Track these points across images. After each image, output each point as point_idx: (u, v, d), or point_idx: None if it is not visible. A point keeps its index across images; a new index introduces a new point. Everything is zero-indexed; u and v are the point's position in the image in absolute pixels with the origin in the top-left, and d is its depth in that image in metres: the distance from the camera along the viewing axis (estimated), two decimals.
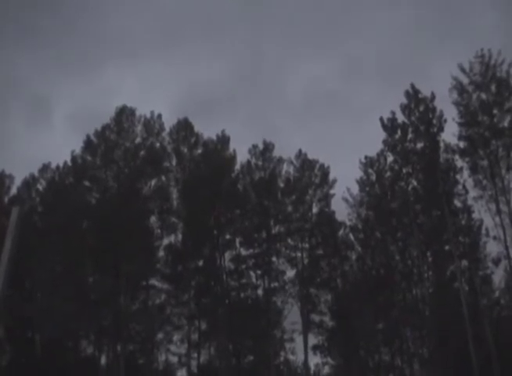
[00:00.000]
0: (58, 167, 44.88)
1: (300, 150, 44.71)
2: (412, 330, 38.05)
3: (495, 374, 30.91)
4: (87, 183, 41.44)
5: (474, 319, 33.80)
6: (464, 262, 37.15)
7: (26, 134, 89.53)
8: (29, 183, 45.20)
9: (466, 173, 35.96)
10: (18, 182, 45.54)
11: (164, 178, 42.47)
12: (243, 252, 42.55)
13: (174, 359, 44.43)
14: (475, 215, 36.70)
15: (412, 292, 39.24)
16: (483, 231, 36.70)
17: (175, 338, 41.92)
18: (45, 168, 45.33)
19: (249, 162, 44.13)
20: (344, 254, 43.09)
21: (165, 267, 41.40)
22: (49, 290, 35.95)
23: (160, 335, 41.16)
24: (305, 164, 44.37)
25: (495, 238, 34.05)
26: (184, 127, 44.43)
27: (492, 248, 35.83)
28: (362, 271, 41.47)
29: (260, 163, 44.12)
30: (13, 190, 45.18)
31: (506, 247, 33.40)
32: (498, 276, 37.35)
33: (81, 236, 37.71)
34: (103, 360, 41.57)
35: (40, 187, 45.20)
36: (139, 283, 40.29)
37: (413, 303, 38.31)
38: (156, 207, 41.33)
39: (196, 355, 41.58)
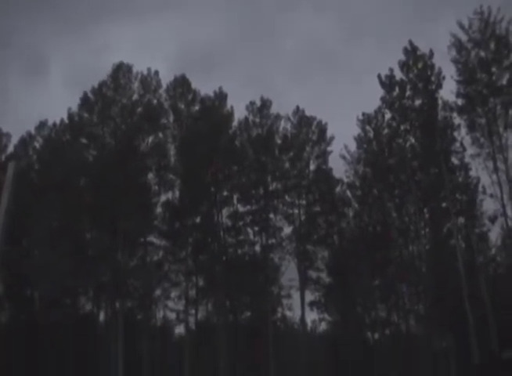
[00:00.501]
0: (55, 124, 44.94)
1: (297, 107, 44.89)
2: (409, 287, 38.67)
3: (491, 330, 31.50)
4: (84, 140, 41.51)
5: (470, 276, 34.23)
6: (461, 220, 37.50)
7: (22, 92, 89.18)
8: (26, 141, 45.28)
9: (463, 131, 35.98)
10: (15, 140, 45.67)
11: (161, 134, 42.52)
12: (241, 209, 43.08)
13: (172, 316, 45.24)
14: (472, 173, 36.99)
15: (409, 249, 39.68)
16: (480, 189, 36.96)
17: (173, 294, 42.57)
18: (41, 125, 45.35)
19: (246, 119, 44.22)
20: (341, 211, 43.48)
21: (163, 224, 41.79)
22: (46, 247, 36.30)
23: (157, 292, 41.78)
24: (303, 120, 44.46)
25: (491, 196, 34.21)
26: (181, 84, 44.25)
27: (489, 206, 36.30)
28: (359, 228, 41.88)
29: (257, 120, 44.21)
30: (10, 148, 45.29)
31: (503, 205, 33.63)
32: (494, 234, 37.87)
33: (79, 193, 37.94)
34: (102, 317, 42.51)
35: (37, 145, 45.33)
36: (137, 239, 40.66)
37: (410, 260, 38.77)
38: (153, 164, 41.50)
39: (193, 311, 42.29)
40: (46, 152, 42.76)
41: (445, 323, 34.61)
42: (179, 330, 51.00)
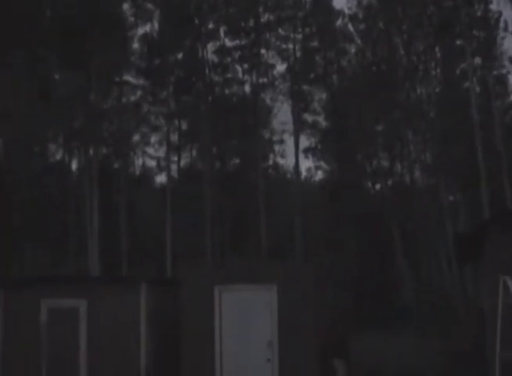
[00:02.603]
0: None
1: None
2: (415, 134, 39.93)
3: (505, 183, 33.38)
4: None
5: (484, 123, 35.66)
6: (477, 60, 38.28)
7: None
8: None
9: None
10: None
11: None
12: (228, 43, 43.02)
13: (152, 164, 46.80)
14: (493, 6, 37.03)
15: (417, 91, 40.36)
16: (501, 25, 37.48)
17: (153, 139, 43.83)
18: None
19: None
20: (341, 47, 43.67)
21: (140, 60, 42.01)
22: (10, 90, 36.43)
23: (136, 137, 42.97)
24: None
25: None
26: None
27: (510, 45, 36.77)
28: (361, 66, 42.13)
29: None
30: None
31: None
32: None
33: (44, 27, 37.57)
34: (74, 165, 43.73)
35: None
36: (112, 78, 40.88)
37: (417, 104, 39.55)
38: None
39: (176, 158, 43.81)
40: None
41: (454, 175, 36.52)
42: (160, 179, 52.73)
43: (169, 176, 41.97)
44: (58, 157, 43.15)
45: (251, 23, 42.65)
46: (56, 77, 40.87)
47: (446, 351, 15.20)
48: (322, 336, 14.77)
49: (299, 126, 42.79)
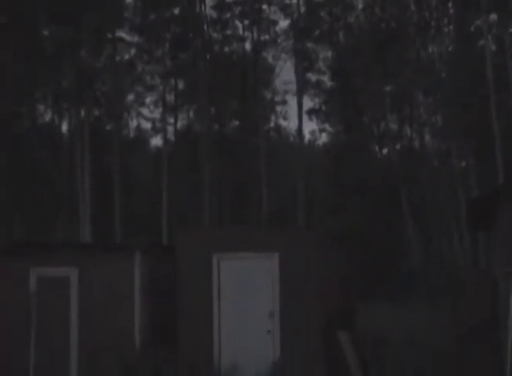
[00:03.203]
0: None
1: None
2: (425, 95, 39.81)
3: None
4: None
5: (499, 83, 35.35)
6: (493, 16, 37.93)
7: None
8: None
9: None
10: None
11: None
12: None
13: (147, 126, 46.74)
14: None
15: (428, 50, 40.16)
16: None
17: (148, 100, 43.85)
18: None
19: None
20: (348, 2, 43.21)
21: (134, 16, 41.69)
22: None
23: (130, 97, 42.94)
24: None
25: None
26: None
27: None
28: (369, 23, 41.83)
29: None
30: None
31: None
32: None
33: None
34: (65, 127, 43.64)
35: None
36: (104, 35, 40.62)
37: (429, 63, 39.42)
38: None
39: (172, 120, 43.81)
40: None
41: (467, 139, 36.43)
42: (156, 141, 52.62)
43: (165, 139, 41.87)
44: (47, 118, 43.05)
45: None
46: (45, 33, 40.48)
47: (456, 323, 15.23)
48: (325, 306, 14.78)
49: (302, 86, 42.56)
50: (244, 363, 14.38)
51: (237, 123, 45.56)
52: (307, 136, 50.83)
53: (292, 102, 43.56)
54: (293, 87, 42.87)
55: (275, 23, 43.09)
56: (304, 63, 42.89)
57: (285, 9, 42.79)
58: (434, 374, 13.61)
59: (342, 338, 14.79)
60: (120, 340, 15.03)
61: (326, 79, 44.15)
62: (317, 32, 43.13)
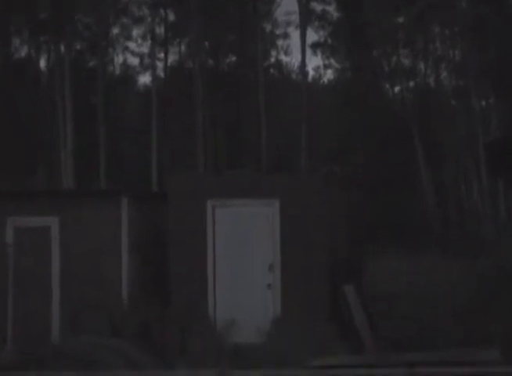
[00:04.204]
0: None
1: None
2: (442, 27, 39.42)
3: None
4: None
5: None
6: None
7: None
8: None
9: None
10: None
11: None
12: None
13: (134, 62, 46.34)
14: None
15: None
16: None
17: (135, 33, 43.29)
18: None
19: None
20: None
21: None
22: None
23: (115, 30, 42.38)
24: None
25: None
26: None
27: None
28: None
29: None
30: None
31: None
32: None
33: None
34: (43, 64, 43.26)
35: None
36: None
37: None
38: None
39: (162, 55, 43.35)
40: None
41: (487, 76, 36.19)
42: (144, 79, 52.12)
43: (154, 76, 41.53)
44: (23, 53, 42.67)
45: None
46: None
47: (474, 275, 15.26)
48: (331, 258, 14.81)
49: (306, 17, 42.07)
50: (242, 320, 14.47)
51: (234, 58, 45.15)
52: (310, 73, 50.59)
53: (294, 35, 43.35)
54: (295, 18, 42.66)
55: None
56: None
57: None
58: (446, 332, 13.66)
59: (349, 292, 14.83)
60: (105, 295, 15.09)
61: (332, 9, 43.58)
62: None
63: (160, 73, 43.80)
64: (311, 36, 42.16)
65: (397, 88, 42.47)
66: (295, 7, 42.19)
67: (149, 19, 41.73)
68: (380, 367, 11.25)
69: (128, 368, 11.97)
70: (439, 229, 32.36)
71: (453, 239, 28.05)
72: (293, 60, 44.70)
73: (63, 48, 38.71)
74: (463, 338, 13.12)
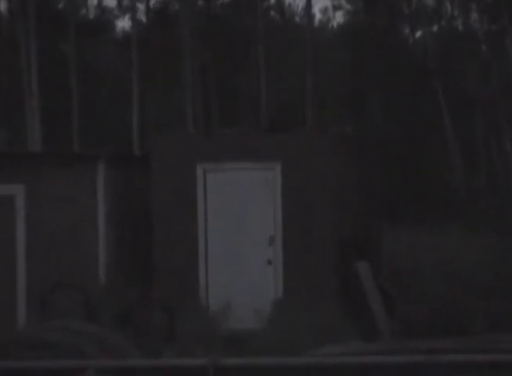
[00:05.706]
0: None
1: None
2: None
3: None
4: None
5: None
6: None
7: None
8: None
9: None
10: None
11: None
12: None
13: (111, 4, 46.22)
14: None
15: None
16: None
17: None
18: None
19: None
20: None
21: None
22: None
23: None
24: None
25: None
26: None
27: None
28: None
29: None
30: None
31: None
32: None
33: None
34: (3, 5, 43.19)
35: None
36: None
37: None
38: None
39: None
40: None
41: None
42: (123, 24, 52.05)
43: (134, 20, 41.39)
44: None
45: None
46: None
47: (500, 250, 15.39)
48: (341, 230, 14.81)
49: None
50: (238, 302, 14.51)
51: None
52: (317, 16, 50.18)
53: None
54: None
55: None
56: None
57: None
58: (467, 310, 13.77)
59: (361, 269, 14.87)
60: (80, 273, 15.13)
61: None
62: None
63: (142, 16, 43.76)
64: None
65: (418, 34, 42.56)
66: None
67: None
68: (396, 355, 11.32)
69: (107, 357, 12.01)
70: (466, 198, 32.44)
71: (479, 210, 28.06)
72: (296, 1, 44.15)
73: None
74: (490, 322, 13.23)
